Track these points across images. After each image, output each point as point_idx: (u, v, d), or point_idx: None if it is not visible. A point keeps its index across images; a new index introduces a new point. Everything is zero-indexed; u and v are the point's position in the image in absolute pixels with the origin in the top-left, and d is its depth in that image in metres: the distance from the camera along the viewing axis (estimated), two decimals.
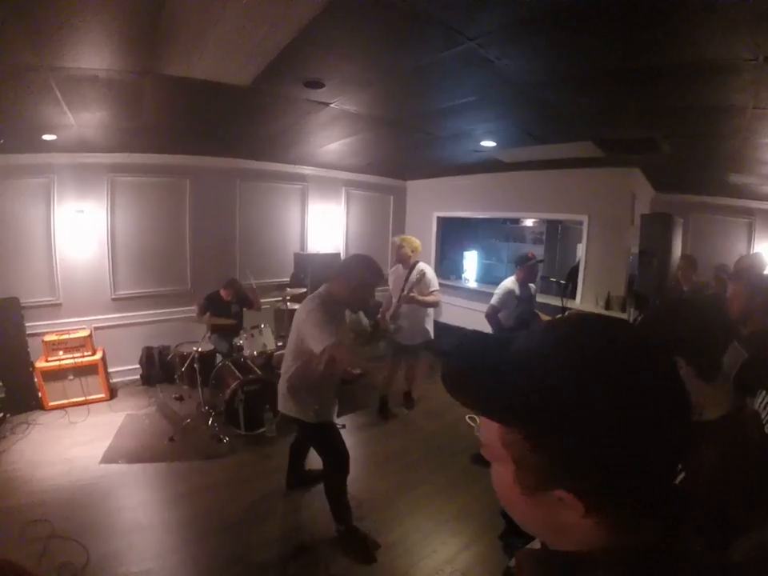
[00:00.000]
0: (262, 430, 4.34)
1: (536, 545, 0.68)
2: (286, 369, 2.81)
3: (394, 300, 4.38)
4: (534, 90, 2.92)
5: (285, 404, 2.86)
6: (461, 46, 2.29)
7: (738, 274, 2.90)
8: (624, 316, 4.75)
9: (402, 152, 5.50)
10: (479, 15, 2.00)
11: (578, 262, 4.77)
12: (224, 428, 4.31)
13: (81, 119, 3.71)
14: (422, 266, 4.55)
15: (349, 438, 4.28)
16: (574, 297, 5.71)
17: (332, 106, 3.42)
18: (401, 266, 4.62)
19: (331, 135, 4.57)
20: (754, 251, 5.56)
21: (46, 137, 4.19)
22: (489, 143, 4.55)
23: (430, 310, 4.74)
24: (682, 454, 0.52)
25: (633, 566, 0.50)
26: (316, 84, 2.96)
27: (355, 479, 3.51)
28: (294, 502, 3.38)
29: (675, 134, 3.62)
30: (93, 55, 2.43)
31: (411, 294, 4.18)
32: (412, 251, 4.56)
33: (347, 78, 2.90)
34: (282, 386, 2.85)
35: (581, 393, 0.48)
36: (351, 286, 2.64)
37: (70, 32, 2.14)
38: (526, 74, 2.67)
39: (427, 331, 4.72)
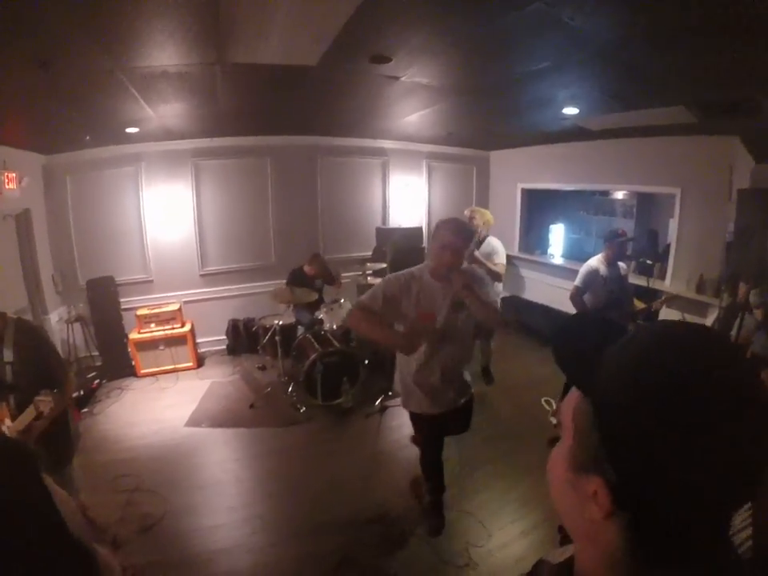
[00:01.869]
0: (339, 400, 4.48)
1: (567, 552, 0.66)
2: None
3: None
4: (614, 50, 2.65)
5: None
6: (529, 6, 2.12)
7: None
8: (716, 301, 4.30)
9: (482, 121, 5.27)
10: None
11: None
12: (302, 397, 4.52)
13: (159, 111, 3.94)
14: (492, 240, 4.43)
15: None
16: (663, 277, 5.27)
17: (402, 79, 3.33)
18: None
19: (407, 108, 4.48)
20: None
21: (130, 129, 4.52)
22: (572, 110, 4.23)
23: (499, 285, 4.62)
24: (743, 494, 0.48)
25: None
26: (383, 59, 2.89)
27: None
28: (365, 470, 3.49)
29: None
30: (160, 53, 2.55)
31: (479, 259, 4.15)
32: (483, 223, 4.44)
33: (414, 50, 2.78)
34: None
35: (650, 397, 0.46)
36: (434, 250, 2.43)
37: (137, 34, 2.26)
38: (603, 33, 2.42)
39: (498, 305, 4.60)
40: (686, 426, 0.44)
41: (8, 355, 2.12)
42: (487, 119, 5.10)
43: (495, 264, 4.46)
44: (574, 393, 0.56)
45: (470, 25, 2.40)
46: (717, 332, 0.52)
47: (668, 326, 0.54)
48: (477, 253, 4.41)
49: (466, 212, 4.58)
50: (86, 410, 4.45)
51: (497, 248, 4.56)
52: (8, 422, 2.07)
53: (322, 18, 2.31)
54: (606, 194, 8.28)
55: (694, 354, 0.47)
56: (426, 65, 3.05)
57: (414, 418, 2.76)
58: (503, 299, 4.67)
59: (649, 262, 4.35)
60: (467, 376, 2.70)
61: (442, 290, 2.40)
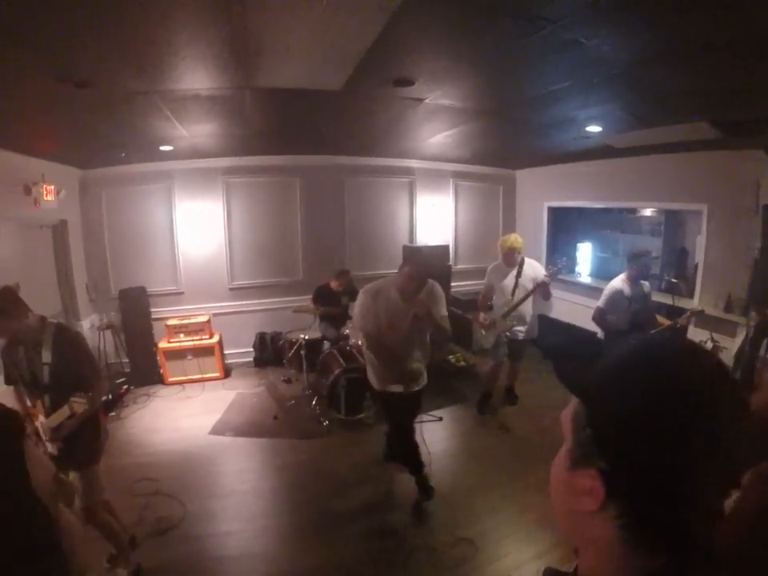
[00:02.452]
0: (361, 416, 4.54)
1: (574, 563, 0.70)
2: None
3: (508, 296, 4.40)
4: (633, 69, 2.65)
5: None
6: (544, 30, 2.17)
7: None
8: (744, 321, 4.18)
9: (507, 141, 5.32)
10: None
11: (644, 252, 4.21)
12: (325, 411, 4.60)
13: (192, 131, 4.14)
14: (531, 261, 4.54)
15: (443, 430, 4.45)
16: (691, 296, 5.16)
17: (426, 101, 3.41)
18: (502, 261, 4.52)
19: (432, 129, 4.55)
20: None
21: (164, 148, 4.74)
22: (595, 128, 4.24)
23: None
24: (719, 487, 0.53)
25: None
26: (406, 82, 2.96)
27: (441, 471, 3.63)
28: (381, 486, 3.52)
29: None
30: (192, 77, 2.70)
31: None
32: (519, 250, 4.47)
33: (435, 73, 2.86)
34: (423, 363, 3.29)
35: (631, 395, 0.54)
36: (404, 278, 3.04)
37: (170, 59, 2.40)
38: (621, 53, 2.44)
39: (534, 328, 4.62)
40: (659, 421, 0.51)
41: (47, 357, 2.27)
42: (511, 139, 5.14)
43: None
44: (574, 401, 0.63)
45: (488, 48, 2.45)
46: (688, 342, 0.61)
47: (646, 339, 0.63)
48: (521, 279, 4.40)
49: (498, 246, 4.54)
50: (113, 414, 4.62)
51: (538, 267, 4.56)
52: (42, 418, 2.20)
53: (346, 44, 2.40)
54: (633, 211, 8.13)
55: (667, 360, 0.55)
56: (449, 87, 3.11)
57: (376, 393, 3.37)
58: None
59: (674, 280, 4.28)
60: (423, 370, 3.27)
61: (405, 306, 3.00)
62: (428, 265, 3.19)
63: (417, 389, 3.24)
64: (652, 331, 3.95)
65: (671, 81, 2.84)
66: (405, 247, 6.76)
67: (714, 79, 2.76)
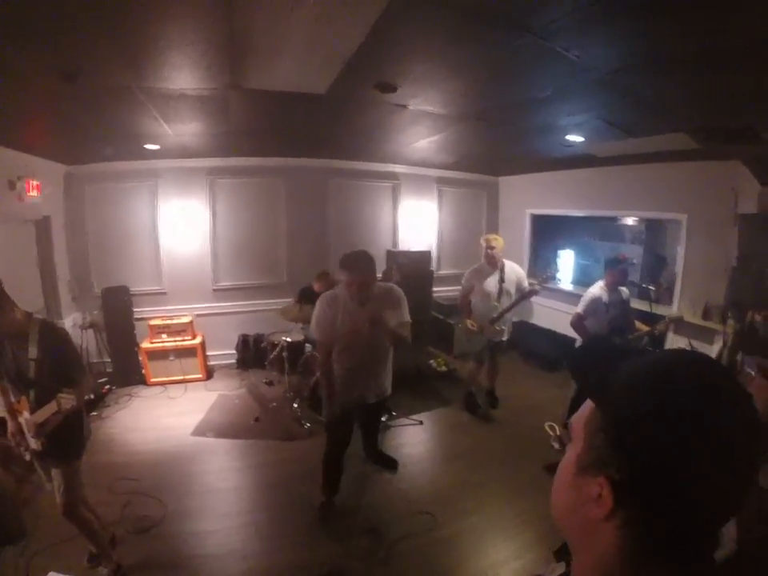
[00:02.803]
0: None
1: (558, 569, 0.73)
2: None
3: (494, 302, 4.46)
4: (612, 79, 2.71)
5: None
6: (524, 39, 2.23)
7: None
8: (721, 328, 4.29)
9: (490, 147, 5.38)
10: (539, 7, 1.94)
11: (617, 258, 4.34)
12: (306, 413, 4.61)
13: (177, 129, 4.14)
14: (513, 265, 4.62)
15: (424, 432, 4.49)
16: (670, 303, 5.27)
17: (410, 107, 3.46)
18: (486, 264, 4.57)
19: (416, 134, 4.60)
20: None
21: (149, 146, 4.73)
22: (575, 137, 4.33)
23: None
24: (732, 503, 0.53)
25: None
26: (389, 88, 3.01)
27: (423, 472, 3.70)
28: (361, 487, 3.55)
29: None
30: (178, 75, 2.72)
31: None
32: (501, 249, 4.56)
33: (419, 79, 2.90)
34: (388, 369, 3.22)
35: (653, 404, 0.53)
36: (345, 285, 2.94)
37: (157, 56, 2.42)
38: (600, 63, 2.51)
39: (511, 328, 4.72)
40: (686, 438, 0.50)
41: (32, 352, 2.26)
42: (494, 145, 5.21)
43: (530, 284, 4.62)
44: (588, 404, 0.62)
45: (470, 55, 2.51)
46: (716, 361, 0.61)
47: (678, 351, 0.64)
48: (505, 285, 4.50)
49: (483, 242, 4.62)
50: (94, 413, 4.56)
51: (519, 271, 4.68)
52: (26, 414, 2.19)
53: (331, 49, 2.44)
54: (614, 220, 8.28)
55: (699, 375, 0.54)
56: (431, 93, 3.17)
57: (330, 427, 3.28)
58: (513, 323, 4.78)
59: (651, 287, 4.37)
60: (388, 380, 3.20)
61: (360, 312, 2.83)
62: (365, 260, 2.85)
63: (377, 400, 3.18)
64: (630, 336, 4.04)
65: (650, 91, 2.92)
66: (388, 252, 6.82)
67: (692, 90, 2.84)
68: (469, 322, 4.53)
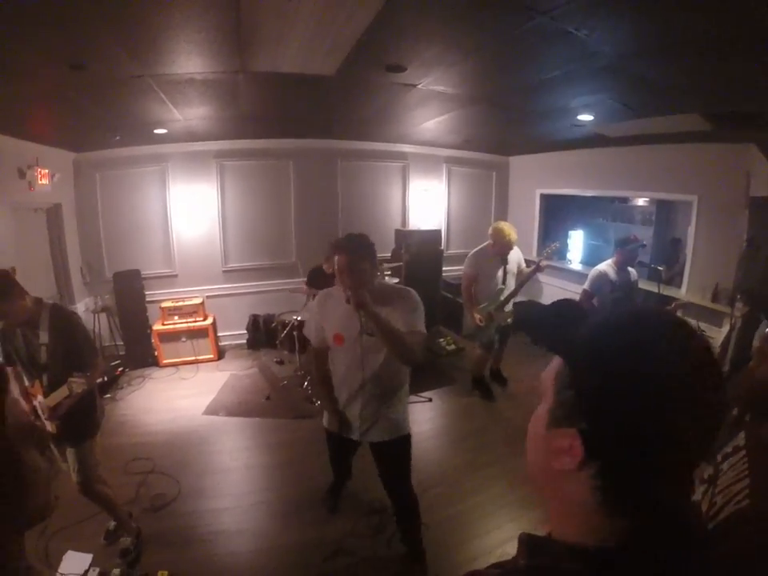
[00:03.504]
0: None
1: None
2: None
3: (500, 284, 4.41)
4: (624, 62, 2.67)
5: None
6: (534, 20, 2.20)
7: None
8: (729, 310, 4.27)
9: (500, 128, 5.32)
10: None
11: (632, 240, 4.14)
12: (316, 391, 4.61)
13: (186, 114, 4.14)
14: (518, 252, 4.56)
15: (430, 411, 4.53)
16: (679, 285, 5.25)
17: (419, 87, 3.42)
18: (489, 249, 4.44)
19: (425, 114, 4.56)
20: None
21: (158, 130, 4.74)
22: (586, 117, 4.26)
23: None
24: (697, 450, 0.54)
25: (591, 565, 0.54)
26: (398, 68, 2.99)
27: (429, 451, 3.74)
28: (370, 464, 3.56)
29: None
30: (186, 61, 2.71)
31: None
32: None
33: (428, 60, 2.87)
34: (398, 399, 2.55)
35: (615, 354, 0.55)
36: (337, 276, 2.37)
37: (165, 43, 2.43)
38: (611, 45, 2.46)
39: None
40: (643, 384, 0.52)
41: (44, 337, 2.32)
42: (504, 126, 5.15)
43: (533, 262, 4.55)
44: (556, 360, 0.64)
45: (478, 37, 2.47)
46: (681, 319, 0.59)
47: (639, 307, 0.65)
48: (508, 266, 4.42)
49: (501, 234, 4.33)
50: (108, 395, 4.68)
51: (518, 251, 4.59)
52: (40, 397, 2.25)
53: (338, 30, 2.42)
54: (625, 200, 8.22)
55: (659, 330, 0.55)
56: (441, 74, 3.13)
57: (327, 434, 2.77)
58: (516, 304, 4.72)
59: (660, 267, 4.34)
60: (395, 413, 2.47)
61: (354, 313, 2.20)
62: (357, 241, 2.25)
63: (379, 440, 2.47)
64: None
65: (662, 73, 2.86)
66: (397, 231, 6.82)
67: (705, 73, 2.78)
68: (477, 317, 4.42)
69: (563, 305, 0.79)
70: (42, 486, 0.89)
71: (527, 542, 0.62)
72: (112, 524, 2.80)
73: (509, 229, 4.34)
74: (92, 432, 2.57)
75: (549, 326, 0.73)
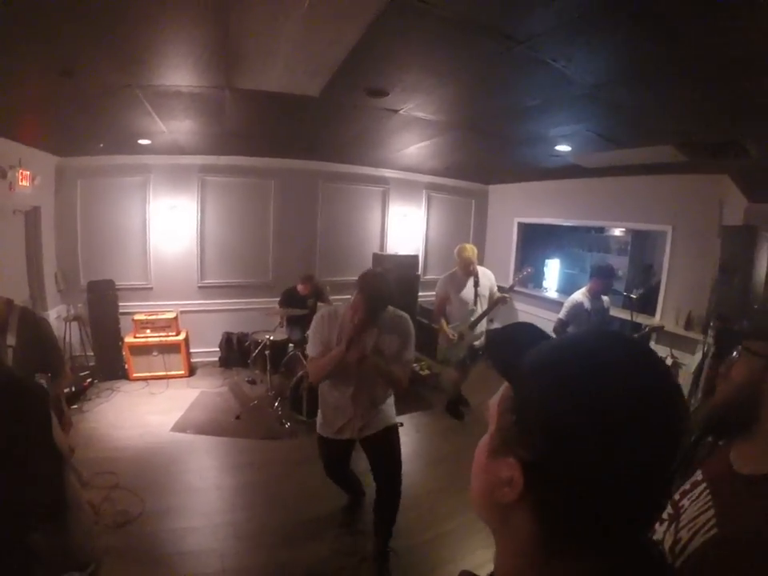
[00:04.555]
0: None
1: None
2: None
3: (471, 306, 4.47)
4: (600, 91, 2.74)
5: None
6: (512, 50, 2.26)
7: None
8: (702, 338, 4.36)
9: (480, 155, 5.45)
10: (526, 18, 1.97)
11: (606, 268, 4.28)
12: (287, 413, 4.60)
13: (171, 126, 4.14)
14: (485, 270, 4.62)
15: (404, 435, 4.36)
16: (653, 313, 5.35)
17: (401, 112, 3.49)
18: (460, 272, 4.51)
19: (406, 139, 4.64)
20: None
21: (142, 141, 4.73)
22: (564, 147, 4.39)
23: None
24: (651, 485, 0.48)
25: None
26: (380, 93, 3.05)
27: (403, 475, 3.61)
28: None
29: (765, 137, 3.22)
30: (173, 74, 2.74)
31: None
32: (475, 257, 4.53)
33: (409, 86, 2.93)
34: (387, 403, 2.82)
35: (556, 378, 0.52)
36: (353, 304, 2.53)
37: (152, 55, 2.45)
38: (588, 75, 2.54)
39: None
40: (586, 410, 0.48)
41: (10, 339, 2.25)
42: (483, 153, 5.27)
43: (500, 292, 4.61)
44: (505, 384, 0.60)
45: (461, 63, 2.53)
46: (628, 338, 0.56)
47: (588, 331, 0.61)
48: (480, 289, 4.48)
49: (464, 256, 4.45)
50: (75, 406, 4.54)
51: (491, 276, 4.68)
52: None
53: (323, 54, 2.47)
54: (601, 230, 8.43)
55: (598, 357, 0.52)
56: (422, 100, 3.19)
57: (321, 441, 2.83)
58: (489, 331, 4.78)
59: (633, 296, 4.44)
60: (385, 407, 2.75)
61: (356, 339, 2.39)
62: (386, 290, 2.40)
63: (375, 431, 2.70)
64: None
65: (636, 105, 2.95)
66: (375, 255, 6.86)
67: (678, 104, 2.87)
68: (449, 333, 4.49)
69: (519, 328, 0.74)
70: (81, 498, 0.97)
71: None
72: None
73: (470, 246, 4.47)
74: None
75: (500, 349, 0.69)
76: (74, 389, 4.66)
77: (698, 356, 4.48)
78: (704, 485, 1.05)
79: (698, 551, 0.91)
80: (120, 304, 5.52)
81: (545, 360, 0.55)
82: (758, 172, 4.01)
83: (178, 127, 4.20)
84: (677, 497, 1.11)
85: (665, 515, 1.10)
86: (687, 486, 1.10)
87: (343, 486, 3.18)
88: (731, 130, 3.24)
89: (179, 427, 4.37)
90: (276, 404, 4.75)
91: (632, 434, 0.46)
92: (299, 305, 5.17)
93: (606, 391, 0.48)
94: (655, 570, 0.54)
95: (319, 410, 2.78)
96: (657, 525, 1.10)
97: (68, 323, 5.27)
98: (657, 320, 5.19)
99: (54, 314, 5.23)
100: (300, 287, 5.29)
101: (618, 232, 8.24)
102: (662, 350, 4.99)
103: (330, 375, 2.53)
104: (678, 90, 2.64)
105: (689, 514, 1.02)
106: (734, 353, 1.07)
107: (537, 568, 0.52)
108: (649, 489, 0.48)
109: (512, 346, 0.63)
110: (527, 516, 0.52)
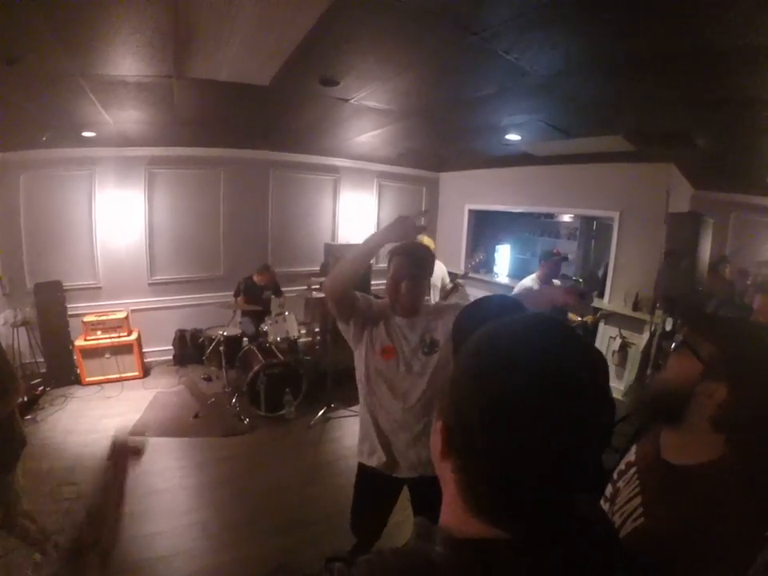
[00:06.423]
0: (282, 412, 4.54)
1: None
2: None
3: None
4: (552, 82, 2.79)
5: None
6: (466, 40, 2.29)
7: None
8: (649, 318, 4.59)
9: (432, 143, 5.48)
10: (481, 10, 2.00)
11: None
12: (246, 408, 4.55)
13: (116, 117, 3.96)
14: (439, 263, 4.64)
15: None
16: (602, 296, 5.58)
17: (352, 101, 3.46)
18: None
19: (358, 128, 4.61)
20: None
21: (86, 133, 4.50)
22: (514, 137, 4.48)
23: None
24: (562, 470, 0.51)
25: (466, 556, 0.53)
26: (331, 82, 3.01)
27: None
28: (305, 479, 3.54)
29: (711, 129, 3.39)
30: (120, 62, 2.62)
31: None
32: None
33: (362, 75, 2.91)
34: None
35: (481, 363, 0.56)
36: (388, 285, 2.12)
37: (98, 41, 2.33)
38: (540, 66, 2.57)
39: None
40: (494, 384, 0.52)
41: None
42: (435, 142, 5.32)
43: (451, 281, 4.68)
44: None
45: (413, 53, 2.53)
46: (555, 325, 0.58)
47: (508, 321, 0.62)
48: (432, 281, 4.52)
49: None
50: (28, 417, 4.32)
51: (442, 266, 4.78)
52: None
53: (274, 42, 2.42)
54: (551, 216, 8.66)
55: (515, 347, 0.55)
56: (375, 89, 3.18)
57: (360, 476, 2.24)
58: None
59: (580, 280, 4.62)
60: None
61: (408, 326, 1.99)
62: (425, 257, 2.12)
63: (416, 475, 1.98)
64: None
65: (588, 95, 3.02)
66: (327, 245, 6.81)
67: (628, 94, 2.96)
68: None
69: (471, 308, 0.88)
70: None
71: (419, 526, 0.63)
72: (38, 555, 2.53)
73: (427, 239, 4.47)
74: (9, 465, 2.27)
75: (455, 326, 0.81)
76: (25, 399, 4.41)
77: (646, 335, 4.72)
78: (635, 468, 1.08)
79: (627, 538, 0.93)
80: (68, 306, 5.28)
81: (472, 340, 0.60)
82: (704, 161, 4.23)
83: (124, 117, 4.02)
84: (615, 476, 1.14)
85: (607, 493, 1.13)
86: (623, 466, 1.13)
87: (367, 533, 2.41)
88: (680, 122, 3.37)
89: (137, 430, 4.23)
90: (234, 400, 4.70)
91: (536, 423, 0.49)
92: (256, 295, 5.11)
93: (511, 380, 0.51)
94: (575, 544, 0.56)
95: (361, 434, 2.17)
96: (602, 502, 1.12)
97: (16, 329, 4.96)
98: (605, 302, 5.41)
99: (1, 321, 4.93)
100: (257, 278, 5.23)
101: (567, 218, 8.49)
102: (611, 331, 5.24)
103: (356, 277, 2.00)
104: (630, 82, 2.73)
105: (621, 497, 1.05)
106: (678, 340, 1.05)
107: (460, 524, 0.56)
108: (546, 470, 0.50)
109: (467, 327, 0.71)
110: (451, 476, 0.57)
